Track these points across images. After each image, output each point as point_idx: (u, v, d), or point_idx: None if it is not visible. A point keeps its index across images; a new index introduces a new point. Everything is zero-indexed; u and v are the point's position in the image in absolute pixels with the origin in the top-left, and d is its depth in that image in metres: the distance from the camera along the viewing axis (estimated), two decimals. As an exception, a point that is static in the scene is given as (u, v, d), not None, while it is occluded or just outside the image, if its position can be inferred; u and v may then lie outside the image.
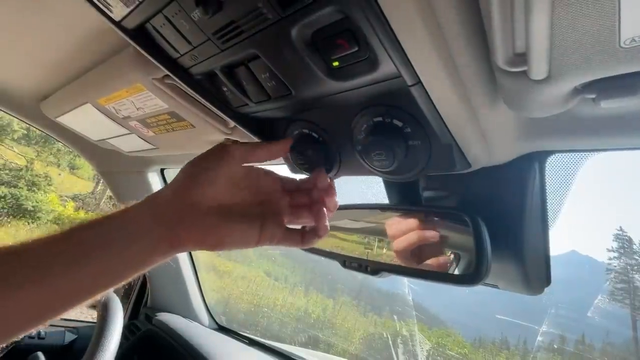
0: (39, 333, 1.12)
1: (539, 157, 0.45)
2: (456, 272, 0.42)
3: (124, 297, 1.38)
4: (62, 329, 1.21)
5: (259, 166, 0.42)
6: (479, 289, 0.58)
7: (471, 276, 0.39)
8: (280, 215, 0.40)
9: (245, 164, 0.39)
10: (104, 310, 0.70)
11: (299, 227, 0.42)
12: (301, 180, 0.44)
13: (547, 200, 0.49)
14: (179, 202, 0.34)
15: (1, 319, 0.27)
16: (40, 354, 0.85)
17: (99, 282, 0.31)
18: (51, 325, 1.20)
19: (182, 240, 0.33)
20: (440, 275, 0.42)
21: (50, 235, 0.30)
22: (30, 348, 0.95)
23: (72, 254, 0.29)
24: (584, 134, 0.37)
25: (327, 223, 0.40)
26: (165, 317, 1.21)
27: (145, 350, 1.08)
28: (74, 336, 1.22)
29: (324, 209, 0.40)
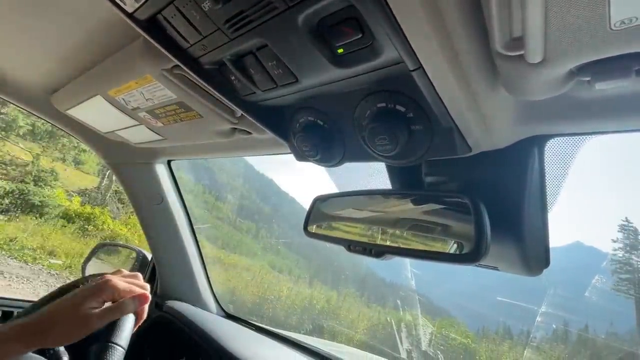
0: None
1: (538, 141, 0.46)
2: (457, 252, 0.44)
3: (134, 286, 1.41)
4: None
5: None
6: (480, 273, 0.59)
7: (471, 255, 0.41)
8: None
9: None
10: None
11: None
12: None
13: (546, 184, 0.50)
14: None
15: None
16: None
17: None
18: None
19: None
20: (442, 255, 0.44)
21: None
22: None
23: None
24: (581, 117, 0.39)
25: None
26: (175, 304, 1.24)
27: (156, 335, 1.12)
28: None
29: None
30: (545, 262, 0.53)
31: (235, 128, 0.68)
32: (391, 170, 0.61)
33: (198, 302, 1.34)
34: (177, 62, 0.45)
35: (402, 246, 0.50)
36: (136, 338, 1.12)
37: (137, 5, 0.36)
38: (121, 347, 0.68)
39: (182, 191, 1.34)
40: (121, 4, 0.37)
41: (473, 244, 0.41)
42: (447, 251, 0.45)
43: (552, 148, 0.49)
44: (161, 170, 1.20)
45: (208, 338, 0.97)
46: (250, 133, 0.68)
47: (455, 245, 0.45)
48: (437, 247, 0.46)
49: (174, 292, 1.33)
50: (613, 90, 0.34)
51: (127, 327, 0.72)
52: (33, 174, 10.24)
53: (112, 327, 0.71)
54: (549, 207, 0.51)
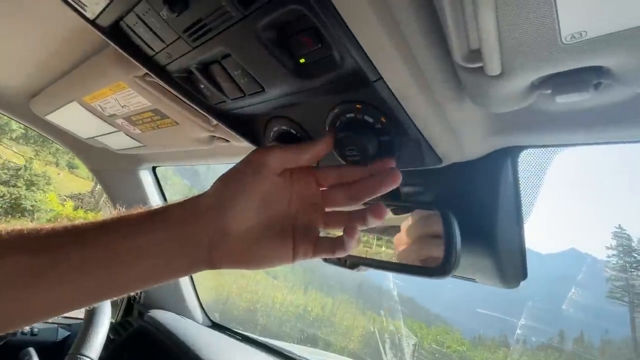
0: (31, 329, 1.13)
1: (511, 152, 0.46)
2: (428, 265, 0.43)
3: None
4: (55, 325, 1.22)
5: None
6: (462, 284, 0.58)
7: (440, 268, 0.40)
8: (313, 225, 0.37)
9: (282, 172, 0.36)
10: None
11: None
12: (344, 169, 0.39)
13: (522, 195, 0.49)
14: (211, 230, 0.32)
15: (28, 311, 0.28)
16: (31, 350, 0.86)
17: (128, 288, 0.32)
18: (44, 322, 1.21)
19: (216, 263, 0.33)
20: (413, 269, 0.43)
21: (85, 231, 0.30)
22: (22, 344, 0.96)
23: (108, 264, 0.30)
24: (550, 129, 0.38)
25: (359, 230, 0.35)
26: (158, 314, 1.21)
27: (136, 346, 1.09)
28: (67, 333, 1.23)
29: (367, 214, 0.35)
30: (523, 275, 0.52)
31: (214, 136, 0.67)
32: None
33: (183, 310, 1.31)
34: (145, 70, 0.44)
35: (376, 258, 0.49)
36: (114, 349, 1.09)
37: (97, 12, 0.36)
38: (91, 359, 0.67)
39: (170, 197, 1.33)
40: (81, 10, 0.36)
41: (442, 257, 0.40)
42: (418, 264, 0.44)
43: (526, 158, 0.48)
44: (145, 176, 1.18)
45: (188, 350, 0.95)
46: (228, 141, 0.67)
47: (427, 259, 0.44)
48: (409, 259, 0.45)
49: (158, 300, 1.31)
50: (578, 103, 0.34)
51: (99, 338, 0.70)
52: (25, 177, 10.13)
53: (82, 338, 0.69)
54: (524, 219, 0.51)
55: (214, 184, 0.35)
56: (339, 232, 0.37)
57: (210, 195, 0.34)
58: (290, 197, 0.36)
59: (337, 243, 0.35)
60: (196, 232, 0.32)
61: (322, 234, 0.38)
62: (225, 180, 0.35)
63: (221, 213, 0.32)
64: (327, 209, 0.38)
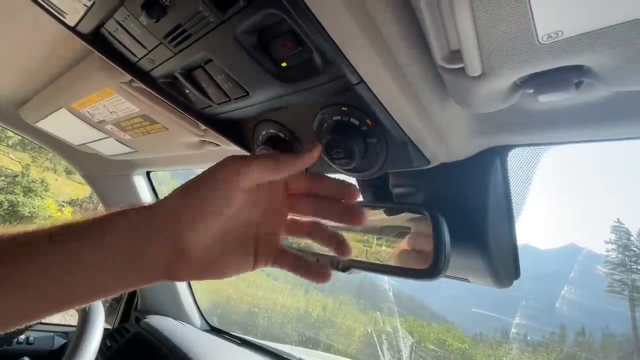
0: (27, 338, 1.12)
1: (500, 152, 0.45)
2: (417, 267, 0.43)
3: (115, 299, 1.38)
4: (52, 333, 1.21)
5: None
6: (456, 282, 0.58)
7: (429, 270, 0.39)
8: (275, 233, 0.35)
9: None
10: (83, 313, 0.70)
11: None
12: (316, 180, 0.37)
13: (512, 193, 0.49)
14: (166, 249, 0.29)
15: None
16: (26, 359, 0.85)
17: (91, 295, 0.29)
18: (40, 331, 1.20)
19: (175, 277, 0.30)
20: (402, 271, 0.43)
21: (42, 236, 0.29)
22: (18, 353, 0.95)
23: (67, 267, 0.28)
24: (536, 129, 0.38)
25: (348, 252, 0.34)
26: (155, 319, 1.21)
27: (132, 353, 1.08)
28: (64, 341, 1.22)
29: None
30: (515, 274, 0.52)
31: (204, 140, 0.67)
32: (360, 181, 0.60)
33: (181, 315, 1.31)
34: (130, 76, 0.44)
35: (367, 260, 0.49)
36: (110, 357, 1.08)
37: (77, 19, 0.35)
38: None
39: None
40: (62, 17, 0.36)
41: (432, 259, 0.40)
42: (407, 266, 0.44)
43: (515, 157, 0.48)
44: (140, 181, 1.18)
45: (184, 356, 0.94)
46: (218, 145, 0.67)
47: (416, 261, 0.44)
48: (398, 262, 0.45)
49: (156, 305, 1.30)
50: (561, 102, 0.33)
51: (92, 346, 0.69)
52: (23, 184, 10.09)
53: (75, 348, 0.69)
54: (516, 218, 0.50)
55: (172, 193, 0.31)
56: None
57: (167, 211, 0.30)
58: (255, 203, 0.34)
59: (313, 269, 0.35)
60: (150, 252, 0.29)
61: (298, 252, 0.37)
62: (185, 196, 0.31)
63: (178, 233, 0.29)
64: (289, 216, 0.36)
